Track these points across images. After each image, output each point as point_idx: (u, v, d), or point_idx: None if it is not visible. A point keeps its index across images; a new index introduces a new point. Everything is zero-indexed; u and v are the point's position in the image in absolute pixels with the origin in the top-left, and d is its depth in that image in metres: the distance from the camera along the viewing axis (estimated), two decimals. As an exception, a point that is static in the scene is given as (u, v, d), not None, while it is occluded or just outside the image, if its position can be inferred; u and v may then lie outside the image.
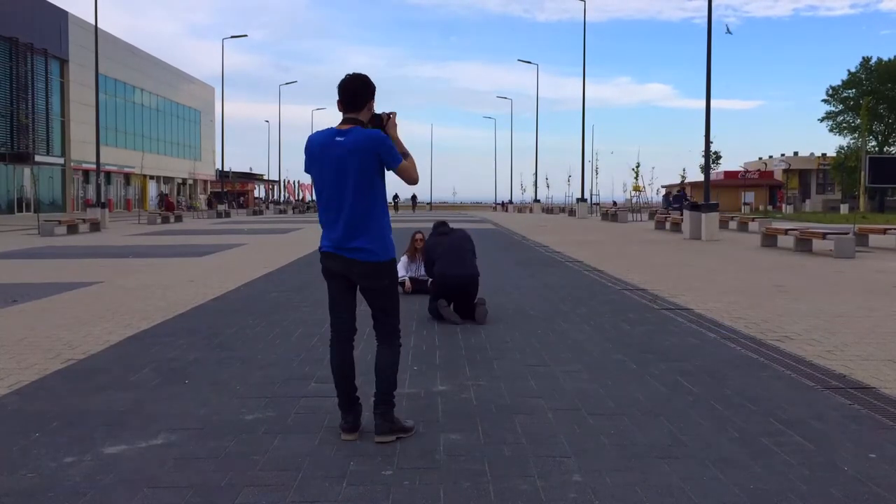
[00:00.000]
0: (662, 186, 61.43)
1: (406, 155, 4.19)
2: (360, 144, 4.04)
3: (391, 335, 4.27)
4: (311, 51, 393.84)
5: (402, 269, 10.32)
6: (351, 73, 4.20)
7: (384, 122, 4.22)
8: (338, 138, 4.08)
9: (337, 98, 4.19)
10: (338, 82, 4.18)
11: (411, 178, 4.19)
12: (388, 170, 4.14)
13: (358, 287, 4.24)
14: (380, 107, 4.25)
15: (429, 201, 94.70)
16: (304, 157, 4.23)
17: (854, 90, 70.01)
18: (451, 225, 8.96)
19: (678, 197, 37.19)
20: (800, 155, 73.51)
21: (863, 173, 43.36)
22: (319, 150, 4.13)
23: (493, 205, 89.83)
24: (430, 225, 9.45)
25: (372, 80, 4.21)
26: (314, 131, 4.35)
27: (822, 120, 74.45)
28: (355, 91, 4.15)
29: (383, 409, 4.13)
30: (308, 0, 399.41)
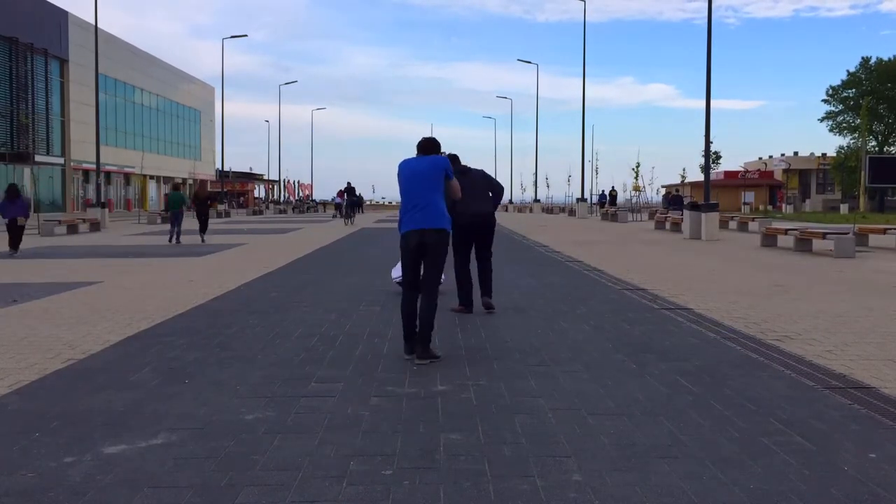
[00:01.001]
0: (662, 186, 61.48)
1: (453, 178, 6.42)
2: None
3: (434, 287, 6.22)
4: (312, 51, 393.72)
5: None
6: (427, 136, 6.55)
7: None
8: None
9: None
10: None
11: (455, 194, 6.51)
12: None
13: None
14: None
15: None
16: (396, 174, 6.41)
17: (854, 90, 69.97)
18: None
19: (677, 198, 37.22)
20: (800, 155, 73.52)
21: (863, 173, 43.32)
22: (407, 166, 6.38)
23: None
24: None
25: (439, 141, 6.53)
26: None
27: (822, 120, 74.45)
28: (428, 147, 6.44)
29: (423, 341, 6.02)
30: (309, 1, 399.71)
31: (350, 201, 40.26)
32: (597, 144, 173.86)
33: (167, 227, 23.47)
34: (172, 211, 22.02)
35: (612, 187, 57.85)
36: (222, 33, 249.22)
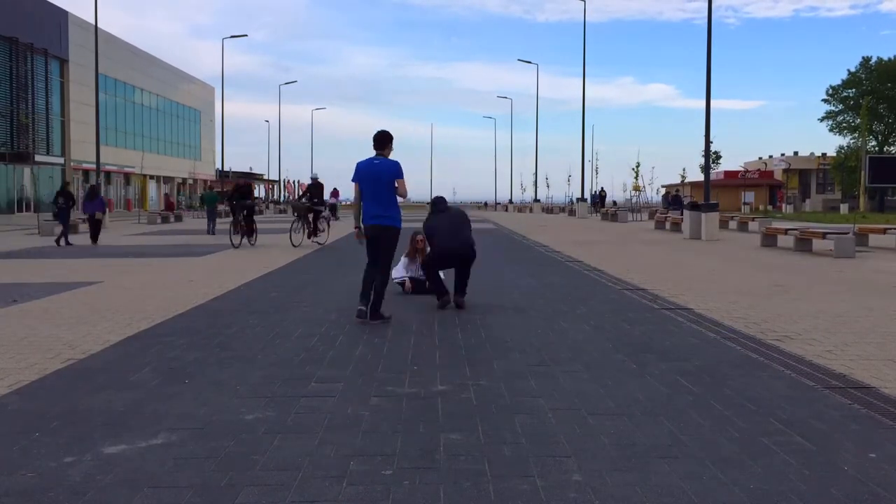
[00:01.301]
0: (662, 186, 61.47)
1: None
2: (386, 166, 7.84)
3: (386, 269, 7.95)
4: (313, 51, 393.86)
5: (403, 269, 10.32)
6: (380, 129, 7.91)
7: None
8: (374, 161, 7.85)
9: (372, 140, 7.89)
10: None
11: (404, 193, 7.88)
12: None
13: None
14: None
15: (428, 201, 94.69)
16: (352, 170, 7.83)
17: (854, 90, 69.99)
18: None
19: (676, 198, 37.22)
20: (800, 155, 73.51)
21: (863, 173, 43.31)
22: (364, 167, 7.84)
23: (483, 202, 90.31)
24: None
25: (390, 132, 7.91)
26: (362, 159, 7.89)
27: (822, 120, 74.48)
28: (380, 139, 7.86)
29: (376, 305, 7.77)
30: (310, 1, 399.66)
31: (311, 204, 21.26)
32: (597, 144, 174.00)
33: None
34: (208, 208, 27.28)
35: (602, 188, 62.26)
36: (222, 33, 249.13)
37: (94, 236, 21.02)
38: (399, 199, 7.88)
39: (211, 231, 26.30)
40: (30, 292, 10.26)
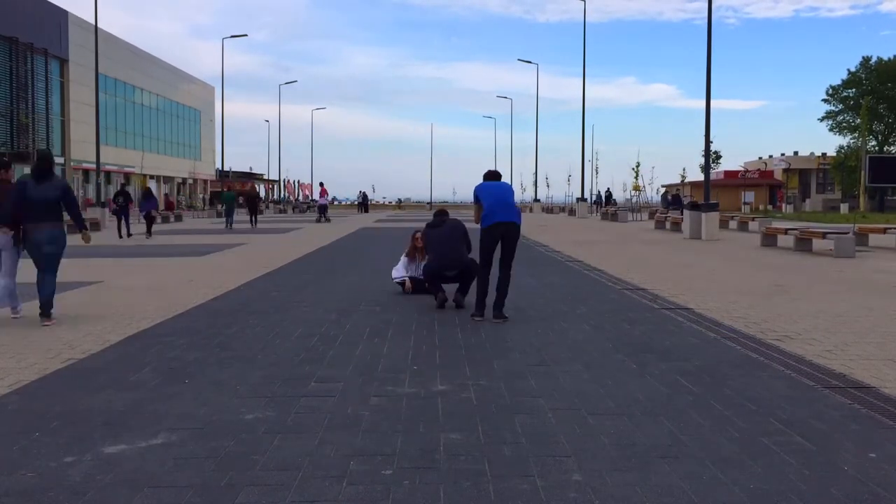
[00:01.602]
0: (662, 186, 61.46)
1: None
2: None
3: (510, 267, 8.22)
4: (313, 51, 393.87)
5: (402, 269, 10.32)
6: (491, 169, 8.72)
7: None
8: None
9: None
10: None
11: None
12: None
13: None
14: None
15: (429, 201, 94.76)
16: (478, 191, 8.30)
17: (854, 90, 69.94)
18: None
19: (676, 197, 37.23)
20: (800, 155, 73.49)
21: (863, 173, 43.34)
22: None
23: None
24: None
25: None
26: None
27: (822, 119, 74.43)
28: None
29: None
30: (310, 1, 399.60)
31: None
32: (597, 144, 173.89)
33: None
34: (227, 206, 31.72)
35: (608, 189, 62.89)
36: (222, 33, 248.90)
37: (149, 229, 25.04)
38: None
39: (229, 225, 30.54)
40: (30, 292, 10.25)
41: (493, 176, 8.51)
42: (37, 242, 7.94)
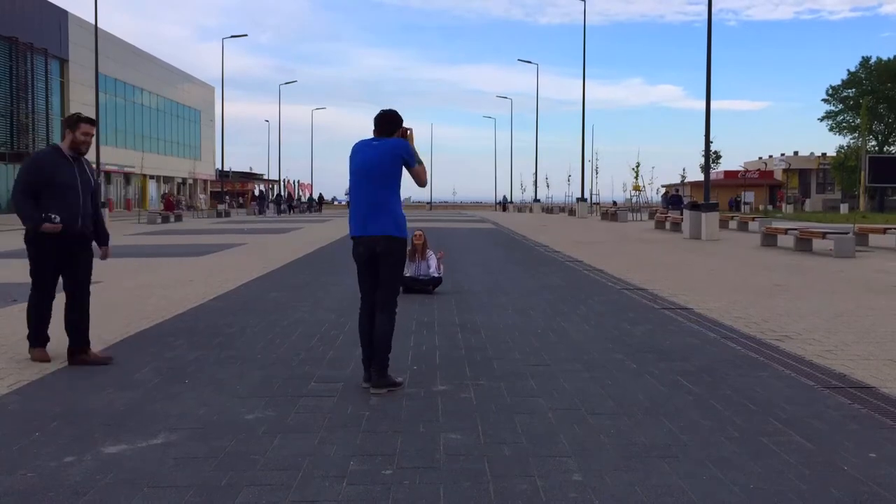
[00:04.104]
0: (662, 186, 61.45)
1: (420, 161, 5.25)
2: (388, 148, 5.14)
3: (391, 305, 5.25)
4: (317, 54, 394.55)
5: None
6: (386, 108, 5.27)
7: (405, 135, 5.29)
8: (373, 143, 5.22)
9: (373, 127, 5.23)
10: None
11: (421, 181, 5.34)
12: (406, 169, 5.20)
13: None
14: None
15: (428, 201, 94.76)
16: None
17: (854, 90, 69.93)
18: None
19: (675, 197, 37.23)
20: (800, 155, 73.48)
21: (863, 173, 43.34)
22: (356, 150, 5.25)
23: (494, 204, 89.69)
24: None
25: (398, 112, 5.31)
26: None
27: (822, 119, 74.43)
28: (390, 120, 5.24)
29: (378, 367, 5.09)
30: (314, 4, 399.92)
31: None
32: (603, 144, 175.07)
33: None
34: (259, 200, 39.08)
35: (677, 189, 55.61)
36: (226, 36, 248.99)
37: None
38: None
39: (261, 211, 39.66)
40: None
41: (379, 125, 5.25)
42: None
